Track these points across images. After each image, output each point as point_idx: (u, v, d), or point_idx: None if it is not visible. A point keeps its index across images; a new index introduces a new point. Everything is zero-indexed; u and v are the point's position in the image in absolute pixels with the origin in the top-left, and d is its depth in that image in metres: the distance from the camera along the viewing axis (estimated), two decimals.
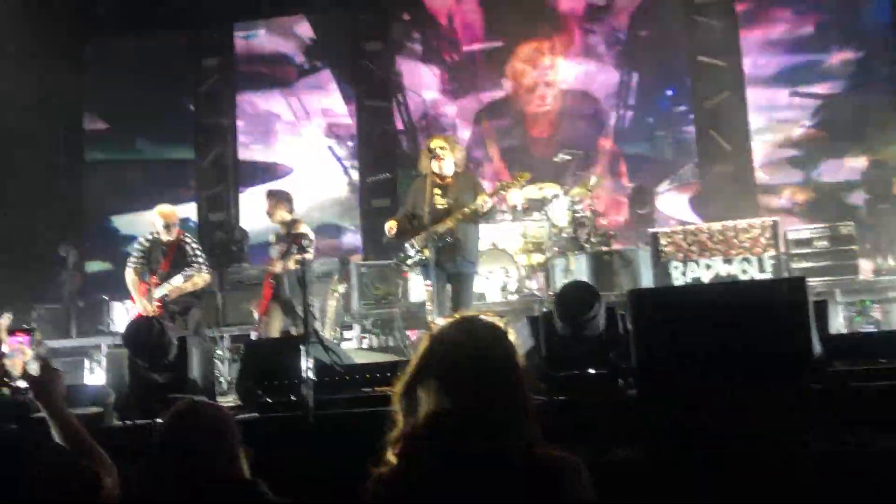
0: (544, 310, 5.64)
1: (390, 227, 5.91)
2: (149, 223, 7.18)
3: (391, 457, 1.71)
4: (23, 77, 10.07)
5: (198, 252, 6.82)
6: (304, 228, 6.53)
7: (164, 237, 6.79)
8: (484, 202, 5.72)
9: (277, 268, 6.77)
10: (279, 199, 7.01)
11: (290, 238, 6.13)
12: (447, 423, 1.65)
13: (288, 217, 6.90)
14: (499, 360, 1.72)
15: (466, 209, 5.68)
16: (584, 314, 3.60)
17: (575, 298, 3.62)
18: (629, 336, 3.77)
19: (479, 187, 5.97)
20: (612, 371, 3.57)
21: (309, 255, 3.94)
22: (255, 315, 6.95)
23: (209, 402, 2.19)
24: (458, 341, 1.74)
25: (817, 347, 3.05)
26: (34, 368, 2.19)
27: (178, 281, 6.60)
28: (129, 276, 6.85)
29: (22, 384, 2.22)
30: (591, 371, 3.68)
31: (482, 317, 1.80)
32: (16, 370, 2.15)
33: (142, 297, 6.69)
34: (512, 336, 1.77)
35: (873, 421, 3.15)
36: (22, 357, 2.08)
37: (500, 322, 1.78)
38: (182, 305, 6.76)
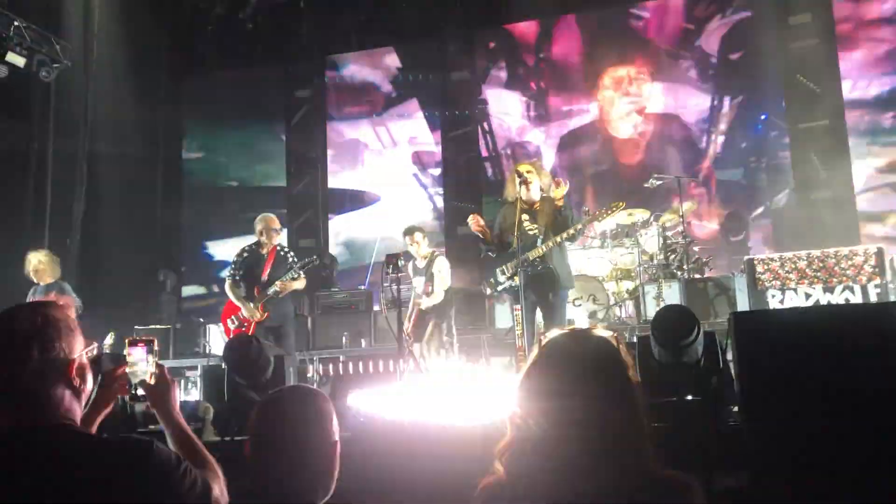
0: (637, 335, 5.54)
1: (476, 220, 5.95)
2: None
3: (499, 467, 1.69)
4: (127, 108, 10.62)
5: (294, 259, 7.05)
6: (441, 261, 7.24)
7: (263, 247, 7.03)
8: (576, 231, 5.70)
9: (423, 303, 7.20)
10: (421, 232, 7.43)
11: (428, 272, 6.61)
12: (562, 435, 1.60)
13: (427, 250, 7.35)
14: (613, 373, 1.66)
15: (558, 237, 5.63)
16: (683, 339, 3.50)
17: (674, 323, 3.53)
18: (729, 362, 3.66)
19: (569, 211, 5.90)
20: (712, 398, 3.45)
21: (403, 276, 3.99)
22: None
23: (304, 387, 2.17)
24: (572, 351, 1.70)
25: None
26: (151, 377, 2.24)
27: (285, 279, 6.86)
28: (228, 285, 7.09)
29: (140, 392, 2.26)
30: (690, 398, 3.57)
31: (595, 330, 1.76)
32: (136, 379, 2.19)
33: (247, 303, 6.87)
34: (624, 351, 1.72)
35: None
36: (145, 366, 2.12)
37: (612, 336, 1.74)
38: (278, 322, 6.93)
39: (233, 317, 7.04)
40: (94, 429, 2.16)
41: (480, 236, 5.96)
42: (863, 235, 9.64)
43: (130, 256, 11.17)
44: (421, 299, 7.20)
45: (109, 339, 7.68)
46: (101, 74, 10.46)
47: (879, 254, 7.30)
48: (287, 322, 6.99)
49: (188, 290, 12.50)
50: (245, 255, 7.13)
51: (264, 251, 7.05)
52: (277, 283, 6.83)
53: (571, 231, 5.66)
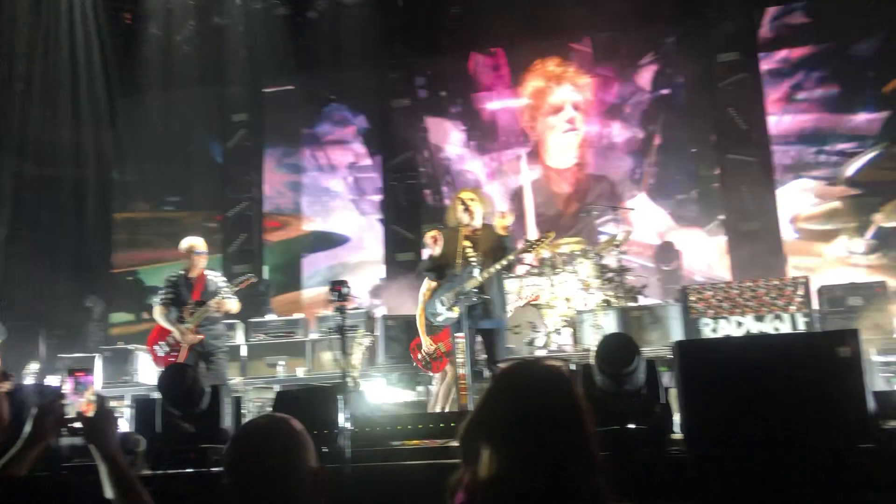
0: (573, 367, 5.57)
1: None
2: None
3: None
4: (56, 129, 10.30)
5: (225, 283, 7.00)
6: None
7: (192, 271, 6.96)
8: (509, 261, 5.73)
9: None
10: None
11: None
12: (514, 471, 1.58)
13: None
14: (566, 407, 1.66)
15: (492, 268, 5.66)
16: (624, 367, 3.53)
17: (616, 351, 3.55)
18: (667, 390, 3.70)
19: (507, 241, 5.94)
20: (655, 426, 3.48)
21: (348, 304, 3.93)
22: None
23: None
24: (524, 387, 1.69)
25: (871, 404, 2.96)
26: (89, 409, 2.12)
27: (216, 299, 6.76)
28: (157, 311, 6.97)
29: (78, 425, 2.14)
30: (632, 426, 3.59)
31: (546, 363, 1.76)
32: (73, 412, 2.08)
33: (178, 326, 6.75)
34: (576, 382, 1.73)
35: None
36: (85, 397, 2.01)
37: (564, 367, 1.74)
38: (210, 349, 6.80)
39: (161, 342, 6.88)
40: (25, 467, 2.05)
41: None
42: (789, 265, 9.98)
43: (57, 282, 10.77)
44: None
45: (32, 368, 7.36)
46: (29, 94, 10.13)
47: (806, 284, 7.56)
48: (219, 349, 6.87)
49: (117, 317, 12.11)
50: (174, 278, 7.04)
51: (193, 275, 6.97)
52: (212, 301, 6.72)
53: (504, 262, 5.68)
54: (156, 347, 6.91)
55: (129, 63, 12.08)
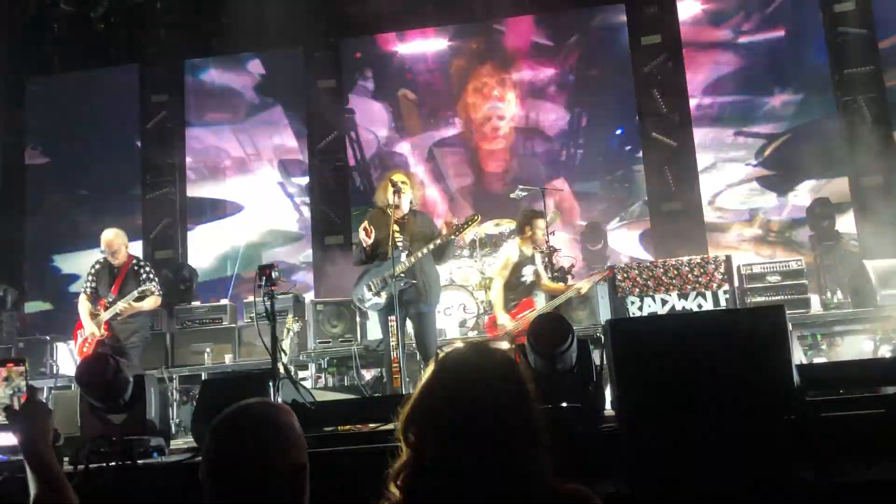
0: (505, 346, 5.61)
1: (366, 229, 5.80)
2: (93, 261, 7.13)
3: (394, 489, 1.62)
4: None
5: (151, 275, 6.82)
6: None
7: (114, 262, 6.76)
8: (435, 245, 5.77)
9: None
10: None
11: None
12: (458, 455, 1.56)
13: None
14: (513, 388, 1.64)
15: (419, 251, 5.66)
16: (557, 347, 3.56)
17: (549, 331, 3.58)
18: (600, 369, 3.75)
19: (434, 227, 5.97)
20: (587, 404, 3.53)
21: (277, 288, 3.84)
22: None
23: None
24: (472, 366, 1.66)
25: (796, 377, 3.06)
26: (19, 403, 2.02)
27: (129, 300, 6.56)
28: (82, 301, 6.76)
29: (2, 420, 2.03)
30: (565, 405, 3.63)
31: (491, 345, 1.74)
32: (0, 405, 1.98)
33: (90, 322, 6.57)
34: (523, 365, 1.71)
35: (845, 451, 3.18)
36: (11, 391, 1.91)
37: (511, 350, 1.74)
38: (123, 338, 6.63)
39: (80, 331, 6.71)
40: None
41: (364, 246, 5.84)
42: (710, 244, 10.27)
43: None
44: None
45: None
46: None
47: (728, 262, 7.80)
48: (131, 339, 6.67)
49: (33, 307, 11.62)
50: (97, 266, 6.84)
51: (118, 263, 6.76)
52: (119, 304, 6.54)
53: (431, 246, 5.69)
54: (78, 335, 6.73)
55: (41, 41, 11.53)
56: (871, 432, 3.24)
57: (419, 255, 5.65)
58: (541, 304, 7.03)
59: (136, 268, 6.81)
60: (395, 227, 5.78)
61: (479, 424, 1.57)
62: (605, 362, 3.48)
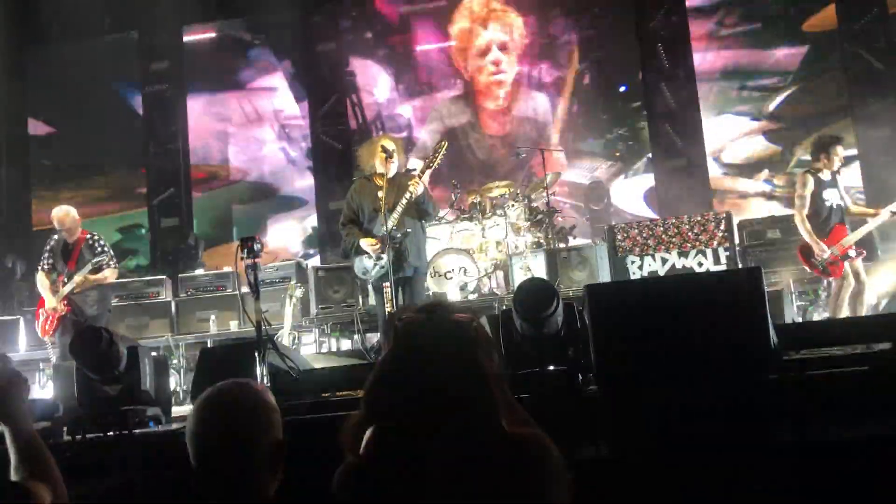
0: (504, 308, 5.63)
1: (374, 245, 5.72)
2: (100, 231, 7.21)
3: (350, 452, 1.70)
4: None
5: (105, 248, 6.92)
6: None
7: (69, 238, 6.87)
8: (416, 184, 5.61)
9: None
10: None
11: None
12: (416, 417, 1.66)
13: None
14: (466, 357, 1.71)
15: (404, 199, 5.59)
16: (542, 312, 3.57)
17: (533, 296, 3.59)
18: (587, 332, 3.76)
19: (424, 197, 5.84)
20: (570, 368, 3.56)
21: (260, 260, 3.86)
22: None
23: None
24: (426, 338, 1.73)
25: (774, 337, 3.07)
26: None
27: (83, 273, 6.68)
28: (39, 277, 6.91)
29: None
30: (551, 368, 3.66)
31: (450, 315, 1.78)
32: None
33: (51, 297, 6.72)
34: (483, 334, 1.79)
35: (828, 409, 3.19)
36: None
37: (468, 318, 1.78)
38: (86, 315, 6.74)
39: (42, 309, 6.85)
40: None
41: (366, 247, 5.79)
42: (715, 201, 10.21)
43: None
44: None
45: None
46: None
47: (728, 219, 7.75)
48: (95, 316, 6.77)
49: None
50: (52, 243, 6.96)
51: (72, 240, 6.88)
52: (77, 276, 6.65)
53: (412, 187, 5.57)
54: (40, 313, 6.86)
55: (39, 10, 11.47)
56: (854, 391, 3.24)
57: (402, 202, 5.57)
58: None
59: (90, 242, 6.91)
60: (381, 195, 5.72)
61: (431, 390, 1.67)
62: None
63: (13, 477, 1.97)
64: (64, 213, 6.88)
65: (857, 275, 6.64)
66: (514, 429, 1.72)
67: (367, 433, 1.71)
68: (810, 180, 6.83)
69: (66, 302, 6.70)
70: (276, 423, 1.90)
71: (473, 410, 1.67)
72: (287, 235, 11.66)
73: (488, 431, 1.67)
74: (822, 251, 6.65)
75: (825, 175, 6.82)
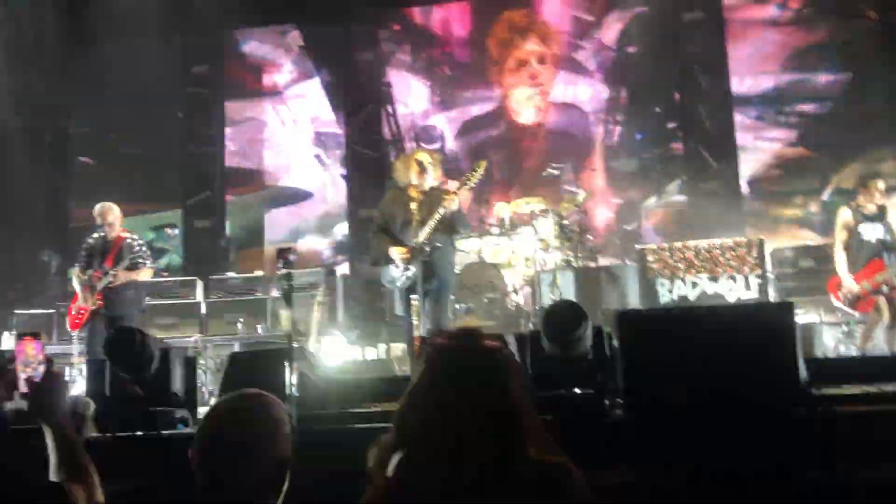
0: (531, 327, 5.64)
1: (404, 255, 5.76)
2: (133, 229, 7.31)
3: (379, 475, 1.72)
4: (9, 81, 9.99)
5: (143, 247, 7.01)
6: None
7: (108, 235, 6.93)
8: (451, 200, 5.62)
9: None
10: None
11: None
12: (445, 442, 1.68)
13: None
14: (497, 384, 1.74)
15: (437, 213, 5.62)
16: (570, 334, 3.58)
17: (562, 318, 3.60)
18: (615, 356, 3.76)
19: (459, 215, 5.87)
20: (598, 391, 3.55)
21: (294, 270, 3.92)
22: None
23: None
24: (458, 366, 1.76)
25: (803, 372, 3.05)
26: (37, 375, 2.11)
27: (119, 269, 6.75)
28: (75, 272, 7.02)
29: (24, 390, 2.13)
30: (578, 391, 3.66)
31: (481, 342, 1.81)
32: (24, 375, 2.07)
33: (85, 292, 6.76)
34: (513, 357, 1.82)
35: (857, 447, 3.15)
36: (35, 364, 2.01)
37: (497, 345, 1.80)
38: (118, 313, 6.78)
39: (75, 303, 6.93)
40: None
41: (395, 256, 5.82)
42: (748, 226, 10.10)
43: (10, 235, 10.58)
44: None
45: None
46: None
47: (761, 245, 7.68)
48: (127, 314, 6.81)
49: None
50: (91, 241, 7.03)
51: (111, 237, 6.95)
52: (112, 272, 6.71)
53: (441, 211, 5.58)
54: (72, 308, 6.94)
55: (86, 12, 11.72)
56: (886, 430, 3.20)
57: (436, 216, 5.60)
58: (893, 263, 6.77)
59: (129, 241, 6.97)
60: (413, 206, 5.77)
61: (461, 416, 1.70)
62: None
63: (52, 477, 2.02)
64: (107, 209, 6.99)
65: (892, 310, 6.57)
66: (540, 456, 1.74)
67: (396, 458, 1.74)
68: (846, 213, 6.85)
69: (99, 297, 6.76)
70: (283, 438, 1.89)
71: (502, 439, 1.69)
72: (317, 242, 11.74)
73: (516, 460, 1.69)
74: (852, 285, 6.64)
75: (868, 209, 6.80)
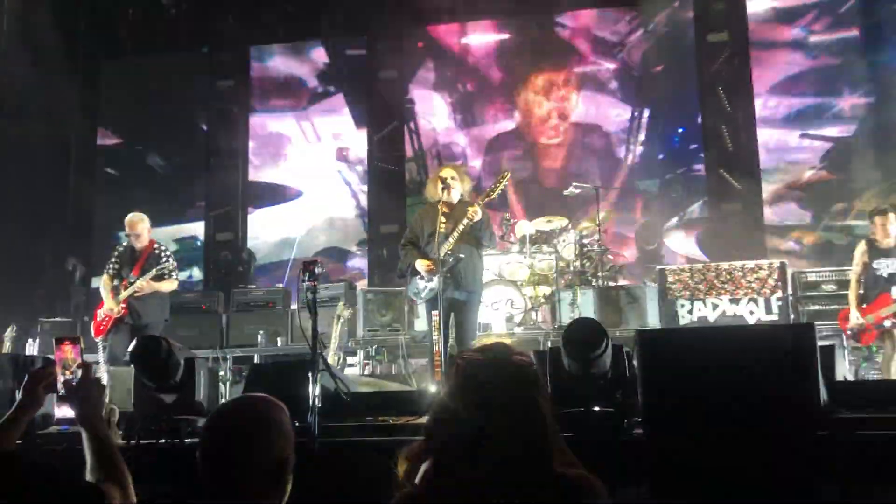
0: (550, 345, 5.64)
1: (428, 267, 5.83)
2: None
3: (408, 482, 1.76)
4: (38, 91, 10.19)
5: (170, 258, 7.07)
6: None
7: (136, 244, 7.03)
8: (475, 211, 5.67)
9: None
10: None
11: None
12: (474, 452, 1.72)
13: None
14: (526, 398, 1.79)
15: (461, 225, 5.68)
16: (591, 352, 3.59)
17: (583, 336, 3.62)
18: (635, 375, 3.77)
19: (483, 225, 5.92)
20: (618, 410, 3.56)
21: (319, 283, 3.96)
22: None
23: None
24: (489, 380, 1.80)
25: (824, 395, 3.05)
26: (74, 378, 2.17)
27: (146, 278, 6.82)
28: (103, 280, 7.09)
29: (63, 393, 2.19)
30: (597, 409, 3.67)
31: (511, 355, 1.85)
32: (61, 378, 2.13)
33: (111, 298, 6.87)
34: (539, 373, 1.86)
35: (878, 472, 3.14)
36: (74, 368, 2.06)
37: (526, 360, 1.84)
38: (143, 322, 6.87)
39: (100, 310, 7.01)
40: (18, 432, 2.12)
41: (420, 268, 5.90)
42: (768, 249, 10.07)
43: (36, 243, 10.74)
44: None
45: (10, 332, 7.39)
46: (10, 55, 10.01)
47: (782, 268, 7.66)
48: (151, 324, 6.89)
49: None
50: (120, 249, 7.15)
51: (140, 246, 7.05)
52: (138, 281, 6.79)
53: (471, 212, 5.63)
54: (98, 314, 7.01)
55: (114, 25, 11.96)
56: None
57: (459, 228, 5.65)
58: None
59: (156, 251, 7.07)
60: (442, 219, 5.83)
61: (491, 428, 1.74)
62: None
63: (88, 478, 2.07)
64: (138, 219, 7.09)
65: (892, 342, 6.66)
66: (563, 470, 1.78)
67: (425, 465, 1.78)
68: (862, 246, 6.96)
69: (124, 305, 6.84)
70: (283, 439, 1.92)
71: (529, 450, 1.74)
72: (338, 256, 11.82)
73: (541, 472, 1.73)
74: (857, 318, 6.78)
75: (885, 243, 6.83)
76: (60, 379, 2.15)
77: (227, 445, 1.88)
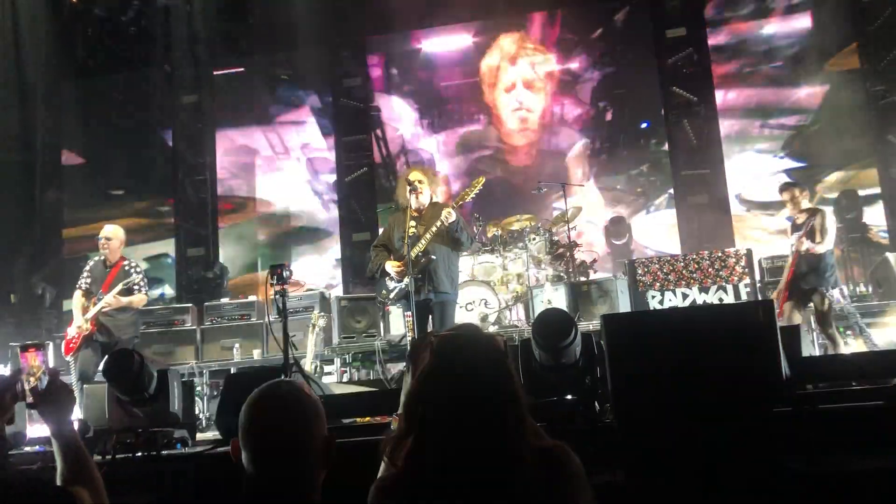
0: (523, 338, 5.69)
1: (398, 268, 5.87)
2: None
3: (389, 463, 1.79)
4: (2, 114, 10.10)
5: (139, 274, 7.02)
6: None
7: (109, 257, 7.01)
8: (448, 213, 5.70)
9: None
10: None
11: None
12: (456, 428, 1.76)
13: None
14: (499, 369, 1.84)
15: (434, 226, 5.72)
16: (560, 341, 3.65)
17: (551, 326, 3.67)
18: (604, 361, 3.83)
19: (458, 226, 5.97)
20: (588, 396, 3.62)
21: (289, 287, 3.97)
22: None
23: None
24: (461, 361, 1.84)
25: (786, 370, 3.12)
26: (41, 384, 2.16)
27: (114, 293, 6.77)
28: (75, 296, 7.03)
29: (30, 400, 2.18)
30: (568, 397, 3.72)
31: (483, 334, 1.90)
32: (28, 385, 2.12)
33: (80, 316, 6.82)
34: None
35: (842, 442, 3.22)
36: (39, 374, 2.06)
37: (496, 335, 1.89)
38: (113, 340, 6.83)
39: (70, 328, 6.98)
40: None
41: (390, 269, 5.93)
42: (736, 236, 10.22)
43: (7, 269, 10.61)
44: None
45: None
46: None
47: (749, 255, 7.79)
48: (122, 341, 6.83)
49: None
50: (91, 264, 7.11)
51: (110, 262, 7.01)
52: (107, 297, 6.75)
53: (444, 215, 5.66)
54: (69, 331, 6.97)
55: (75, 45, 11.86)
56: (870, 424, 3.27)
57: (433, 230, 5.69)
58: None
59: (126, 268, 7.02)
60: (412, 224, 5.87)
61: (473, 401, 1.78)
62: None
63: (59, 482, 2.07)
64: (113, 232, 7.05)
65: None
66: (538, 441, 1.83)
67: (407, 445, 1.82)
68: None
69: (93, 322, 6.79)
70: (323, 418, 1.94)
71: (507, 418, 1.77)
72: (311, 266, 11.81)
73: (519, 441, 1.77)
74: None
75: (799, 219, 7.07)
76: (27, 386, 2.15)
77: (279, 426, 1.86)
